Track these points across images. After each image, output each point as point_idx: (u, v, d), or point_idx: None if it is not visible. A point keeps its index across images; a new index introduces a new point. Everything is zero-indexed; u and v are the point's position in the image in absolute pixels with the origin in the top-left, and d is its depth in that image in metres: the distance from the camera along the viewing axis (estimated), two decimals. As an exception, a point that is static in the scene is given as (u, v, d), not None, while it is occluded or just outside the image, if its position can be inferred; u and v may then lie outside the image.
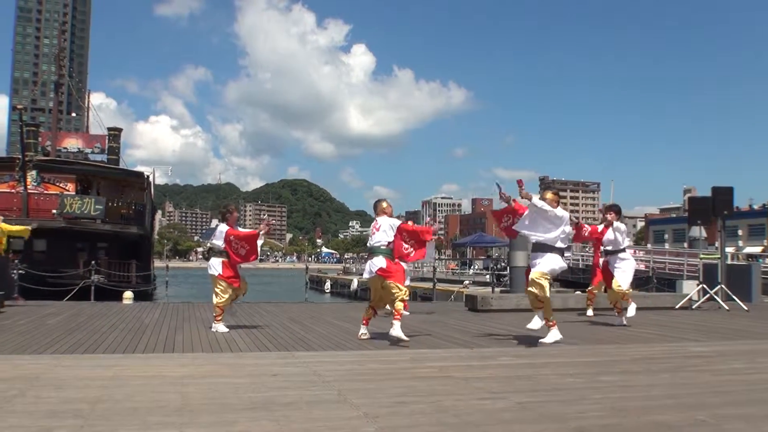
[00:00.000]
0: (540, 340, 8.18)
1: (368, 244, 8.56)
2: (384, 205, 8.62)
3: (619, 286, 10.45)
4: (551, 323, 8.25)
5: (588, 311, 12.44)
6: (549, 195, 8.31)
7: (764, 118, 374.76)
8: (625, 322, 10.51)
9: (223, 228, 9.33)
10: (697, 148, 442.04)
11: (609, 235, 10.64)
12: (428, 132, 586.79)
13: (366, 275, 8.60)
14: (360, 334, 8.60)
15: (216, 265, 9.32)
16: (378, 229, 8.38)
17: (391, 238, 8.33)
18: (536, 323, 8.29)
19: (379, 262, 8.17)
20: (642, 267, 32.66)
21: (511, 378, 5.95)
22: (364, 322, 8.63)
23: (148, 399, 4.71)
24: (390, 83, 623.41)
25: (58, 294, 17.94)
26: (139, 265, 30.48)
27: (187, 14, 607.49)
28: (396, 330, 7.96)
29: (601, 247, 11.06)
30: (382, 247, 8.28)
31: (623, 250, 10.67)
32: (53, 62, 57.21)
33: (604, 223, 10.83)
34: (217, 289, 9.32)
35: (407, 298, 8.53)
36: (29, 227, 14.54)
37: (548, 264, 8.19)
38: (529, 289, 8.22)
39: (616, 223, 10.55)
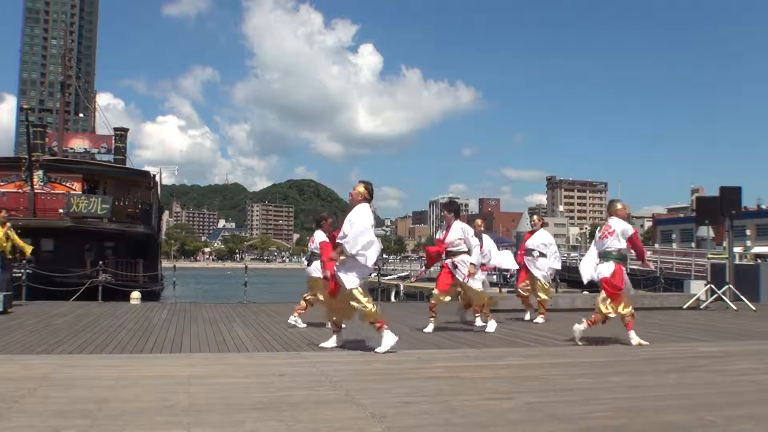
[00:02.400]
0: (376, 350, 7.27)
1: (595, 246, 8.30)
2: (619, 206, 8.41)
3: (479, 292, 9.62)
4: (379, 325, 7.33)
5: (526, 315, 11.58)
6: (360, 188, 7.47)
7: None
8: (478, 324, 9.85)
9: (321, 235, 9.84)
10: (705, 148, 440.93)
11: (450, 236, 9.49)
12: (436, 132, 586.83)
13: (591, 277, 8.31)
14: (577, 334, 8.36)
15: (320, 269, 9.67)
16: (612, 234, 8.14)
17: (623, 245, 8.17)
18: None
19: (606, 269, 8.03)
20: (650, 267, 32.61)
21: (519, 378, 5.94)
22: (588, 324, 8.31)
23: (155, 399, 4.72)
24: (398, 83, 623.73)
25: (65, 294, 17.99)
26: (147, 264, 30.57)
27: (194, 14, 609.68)
28: (634, 338, 8.11)
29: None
30: (613, 253, 8.11)
31: (467, 252, 9.40)
32: (60, 63, 57.49)
33: (446, 221, 9.70)
34: (313, 289, 9.85)
35: (631, 310, 8.28)
36: (30, 248, 13.95)
37: (354, 277, 7.21)
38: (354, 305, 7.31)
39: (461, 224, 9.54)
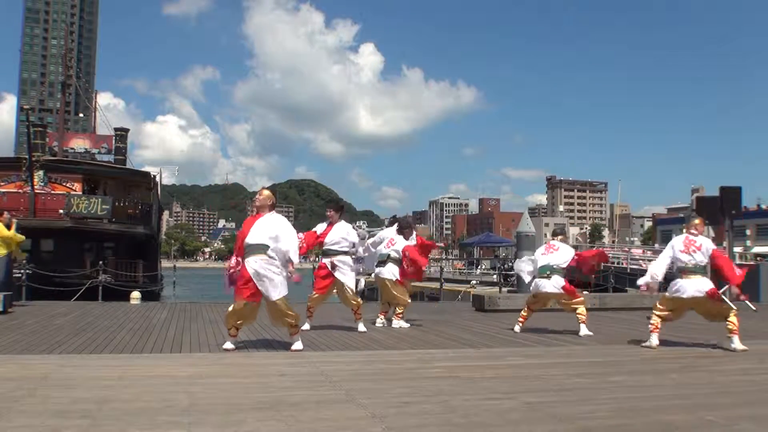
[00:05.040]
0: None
1: (685, 264, 8.10)
2: (697, 221, 8.42)
3: (353, 292, 9.41)
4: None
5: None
6: (266, 192, 7.44)
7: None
8: (361, 328, 9.45)
9: (401, 240, 10.36)
10: (705, 148, 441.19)
11: (332, 235, 9.30)
12: (437, 132, 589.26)
13: (684, 294, 8.08)
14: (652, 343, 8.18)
15: (394, 272, 10.17)
16: (699, 248, 8.06)
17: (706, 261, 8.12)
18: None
19: (706, 283, 7.96)
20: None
21: (519, 378, 5.94)
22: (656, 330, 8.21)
23: (155, 399, 4.72)
24: (399, 83, 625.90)
25: (65, 294, 17.98)
26: (146, 264, 30.56)
27: (195, 14, 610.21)
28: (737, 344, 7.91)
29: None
30: (702, 267, 8.09)
31: (344, 253, 9.32)
32: (61, 63, 57.50)
33: (330, 219, 9.49)
34: (396, 291, 10.16)
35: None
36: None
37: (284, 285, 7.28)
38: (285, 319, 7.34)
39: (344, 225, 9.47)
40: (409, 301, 10.47)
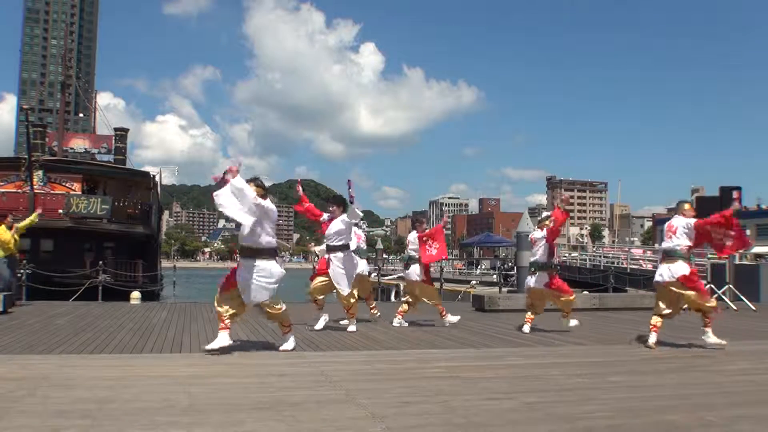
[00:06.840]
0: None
1: (664, 246, 8.09)
2: (686, 206, 8.28)
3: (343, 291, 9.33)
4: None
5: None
6: (252, 187, 7.20)
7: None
8: (352, 328, 9.46)
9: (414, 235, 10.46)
10: (705, 148, 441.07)
11: (331, 228, 9.32)
12: (438, 132, 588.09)
13: (658, 278, 8.10)
14: (650, 342, 8.12)
15: (418, 272, 10.27)
16: (675, 232, 7.98)
17: (689, 242, 7.95)
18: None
19: (681, 268, 7.83)
20: (649, 267, 32.57)
21: (519, 378, 5.94)
22: (654, 330, 8.14)
23: (156, 399, 4.72)
24: (400, 83, 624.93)
25: (64, 294, 17.96)
26: (146, 265, 30.55)
27: (195, 13, 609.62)
28: (710, 338, 7.94)
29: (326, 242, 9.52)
30: (679, 251, 7.93)
31: (345, 247, 9.30)
32: (61, 63, 57.50)
33: (329, 215, 9.55)
34: (419, 291, 10.34)
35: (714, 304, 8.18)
36: (35, 215, 14.23)
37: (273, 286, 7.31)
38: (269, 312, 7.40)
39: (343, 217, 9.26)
40: (414, 302, 10.50)
